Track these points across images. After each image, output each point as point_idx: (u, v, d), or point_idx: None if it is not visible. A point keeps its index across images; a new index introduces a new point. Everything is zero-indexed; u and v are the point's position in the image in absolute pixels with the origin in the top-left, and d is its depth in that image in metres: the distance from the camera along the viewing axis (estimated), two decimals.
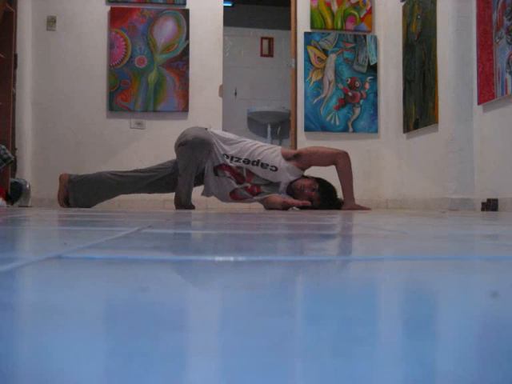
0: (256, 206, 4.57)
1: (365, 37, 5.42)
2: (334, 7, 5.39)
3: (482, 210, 3.75)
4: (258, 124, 6.91)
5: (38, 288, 0.46)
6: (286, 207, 3.38)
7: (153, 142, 5.13)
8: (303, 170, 3.61)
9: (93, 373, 0.23)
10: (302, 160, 3.57)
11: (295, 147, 5.17)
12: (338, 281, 0.52)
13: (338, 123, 5.35)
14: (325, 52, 5.36)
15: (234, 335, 0.30)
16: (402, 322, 0.35)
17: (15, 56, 4.68)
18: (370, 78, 5.42)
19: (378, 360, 0.25)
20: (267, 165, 3.53)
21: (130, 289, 0.44)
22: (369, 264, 0.66)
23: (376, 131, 5.43)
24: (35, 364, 0.24)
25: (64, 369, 0.23)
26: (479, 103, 3.90)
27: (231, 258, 0.66)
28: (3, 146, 3.96)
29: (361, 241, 1.06)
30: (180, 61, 5.17)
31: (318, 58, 5.35)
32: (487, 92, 3.79)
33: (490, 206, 3.68)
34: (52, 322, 0.32)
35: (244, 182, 3.56)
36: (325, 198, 3.50)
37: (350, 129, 5.37)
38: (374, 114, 5.42)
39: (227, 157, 3.53)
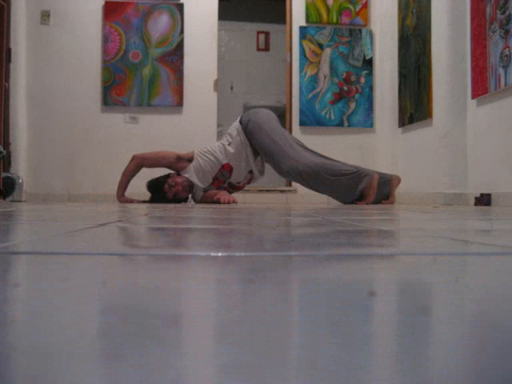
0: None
1: (360, 31, 5.39)
2: (330, 1, 5.36)
3: (476, 204, 3.74)
4: None
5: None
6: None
7: (147, 137, 5.12)
8: None
9: None
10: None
11: None
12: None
13: (333, 118, 5.33)
14: (320, 46, 5.34)
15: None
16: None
17: (9, 50, 4.68)
18: (365, 72, 5.40)
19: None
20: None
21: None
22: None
23: (371, 126, 5.42)
24: None
25: None
26: (473, 97, 3.89)
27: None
28: None
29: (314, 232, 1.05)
30: (174, 55, 5.16)
31: (313, 52, 5.33)
32: (481, 86, 3.77)
33: (483, 200, 3.67)
34: None
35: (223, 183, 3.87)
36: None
37: (346, 123, 5.36)
38: (370, 109, 5.40)
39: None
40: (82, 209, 2.32)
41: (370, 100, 5.40)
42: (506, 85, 3.47)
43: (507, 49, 3.46)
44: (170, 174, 3.71)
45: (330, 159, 3.75)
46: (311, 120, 5.31)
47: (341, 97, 5.35)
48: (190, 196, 3.81)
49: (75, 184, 5.05)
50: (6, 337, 0.28)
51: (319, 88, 5.32)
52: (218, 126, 5.42)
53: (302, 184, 3.79)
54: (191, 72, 5.19)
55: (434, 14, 4.31)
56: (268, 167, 3.91)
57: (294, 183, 5.09)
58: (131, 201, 3.69)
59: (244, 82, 6.98)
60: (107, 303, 0.38)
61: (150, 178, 3.74)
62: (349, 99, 5.36)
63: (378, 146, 5.41)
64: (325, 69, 5.34)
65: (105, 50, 5.11)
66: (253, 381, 0.21)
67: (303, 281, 0.49)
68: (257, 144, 3.71)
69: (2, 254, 0.63)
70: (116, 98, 5.09)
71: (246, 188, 4.09)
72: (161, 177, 3.70)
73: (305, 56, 5.32)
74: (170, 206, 3.05)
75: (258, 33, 6.99)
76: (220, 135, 5.04)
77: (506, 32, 3.47)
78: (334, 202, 4.03)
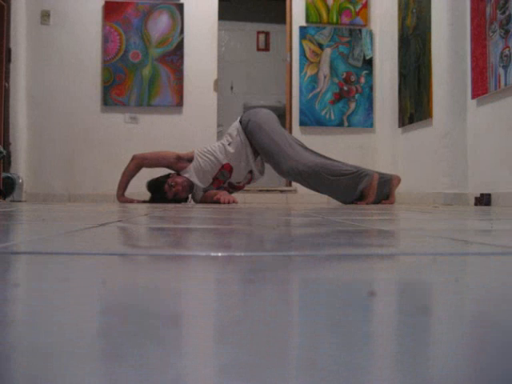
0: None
1: (360, 31, 5.39)
2: (330, 1, 5.36)
3: (476, 204, 3.74)
4: None
5: None
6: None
7: (147, 137, 5.12)
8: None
9: None
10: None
11: None
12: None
13: (333, 118, 5.33)
14: (320, 46, 5.34)
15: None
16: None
17: (9, 50, 4.68)
18: (365, 72, 5.40)
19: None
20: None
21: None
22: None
23: (371, 126, 5.42)
24: None
25: None
26: (473, 97, 3.89)
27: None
28: None
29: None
30: (174, 55, 5.16)
31: (313, 52, 5.33)
32: (481, 86, 3.77)
33: (483, 200, 3.67)
34: None
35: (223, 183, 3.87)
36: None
37: (346, 123, 5.36)
38: (370, 109, 5.40)
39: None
40: (82, 209, 2.32)
41: (370, 100, 5.40)
42: (506, 85, 3.47)
43: (507, 49, 3.46)
44: (169, 174, 3.71)
45: (330, 159, 3.75)
46: (311, 120, 5.31)
47: (341, 97, 5.34)
48: (189, 196, 3.81)
49: (75, 184, 5.05)
50: (6, 337, 0.28)
51: (319, 88, 5.32)
52: (218, 126, 5.42)
53: (302, 184, 3.79)
54: (191, 72, 5.19)
55: (434, 14, 4.31)
56: (268, 167, 3.91)
57: (294, 183, 5.09)
58: (131, 201, 3.69)
59: (244, 82, 6.98)
60: (107, 303, 0.38)
61: (150, 178, 3.75)
62: (349, 99, 5.36)
63: (378, 145, 5.41)
64: (325, 69, 5.34)
65: (105, 50, 5.11)
66: (253, 381, 0.21)
67: (303, 281, 0.49)
68: (257, 144, 3.71)
69: (2, 253, 0.63)
70: (116, 98, 5.09)
71: (246, 188, 4.09)
72: (161, 177, 3.70)
73: (305, 56, 5.32)
74: (170, 205, 3.05)
75: (258, 33, 6.99)
76: (220, 135, 5.04)
77: (506, 32, 3.47)
78: (334, 202, 4.03)
